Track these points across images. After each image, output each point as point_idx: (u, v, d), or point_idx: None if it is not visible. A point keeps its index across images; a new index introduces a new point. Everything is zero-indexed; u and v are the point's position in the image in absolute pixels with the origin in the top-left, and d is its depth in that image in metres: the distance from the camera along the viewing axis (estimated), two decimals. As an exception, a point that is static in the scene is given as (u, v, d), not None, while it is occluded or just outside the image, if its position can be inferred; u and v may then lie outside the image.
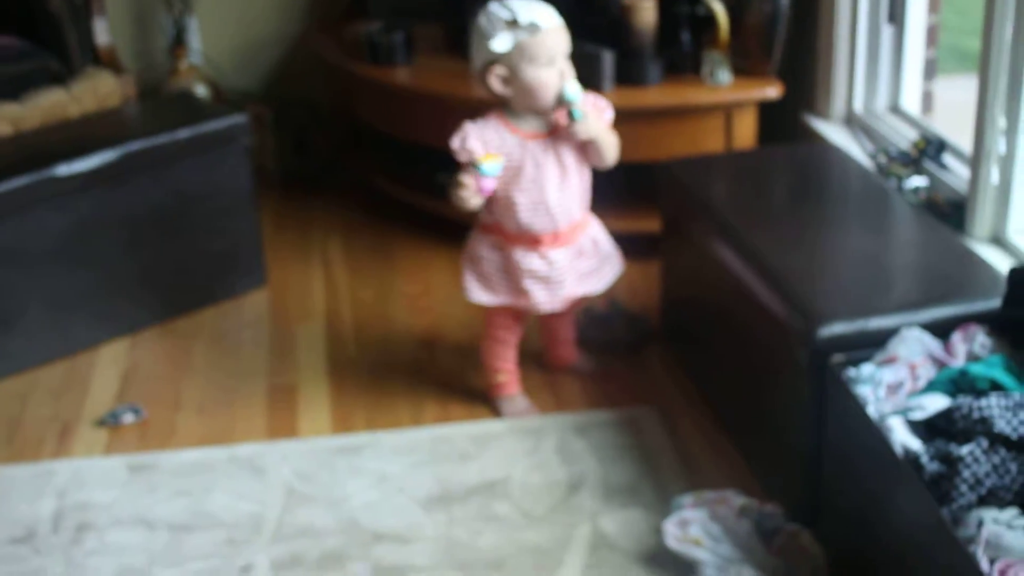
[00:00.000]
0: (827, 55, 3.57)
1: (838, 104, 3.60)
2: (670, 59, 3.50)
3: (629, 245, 3.00)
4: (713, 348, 2.88)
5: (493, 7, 2.63)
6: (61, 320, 3.19)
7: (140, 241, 3.29)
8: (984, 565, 1.85)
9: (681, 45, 3.50)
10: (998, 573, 1.86)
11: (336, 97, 4.21)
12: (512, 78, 2.63)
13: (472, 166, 2.62)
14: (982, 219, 2.87)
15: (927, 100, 3.61)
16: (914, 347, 2.26)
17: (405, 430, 2.88)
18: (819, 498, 2.37)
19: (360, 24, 3.89)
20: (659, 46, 3.49)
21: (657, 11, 3.46)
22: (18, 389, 3.09)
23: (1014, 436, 2.03)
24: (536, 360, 3.08)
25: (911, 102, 3.51)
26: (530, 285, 2.76)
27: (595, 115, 2.69)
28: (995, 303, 2.34)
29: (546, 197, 2.70)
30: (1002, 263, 2.72)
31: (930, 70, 3.58)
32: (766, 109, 3.51)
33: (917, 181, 3.11)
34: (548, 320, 3.01)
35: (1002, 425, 2.04)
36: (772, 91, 3.44)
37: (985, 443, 2.03)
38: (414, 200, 3.83)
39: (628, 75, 3.44)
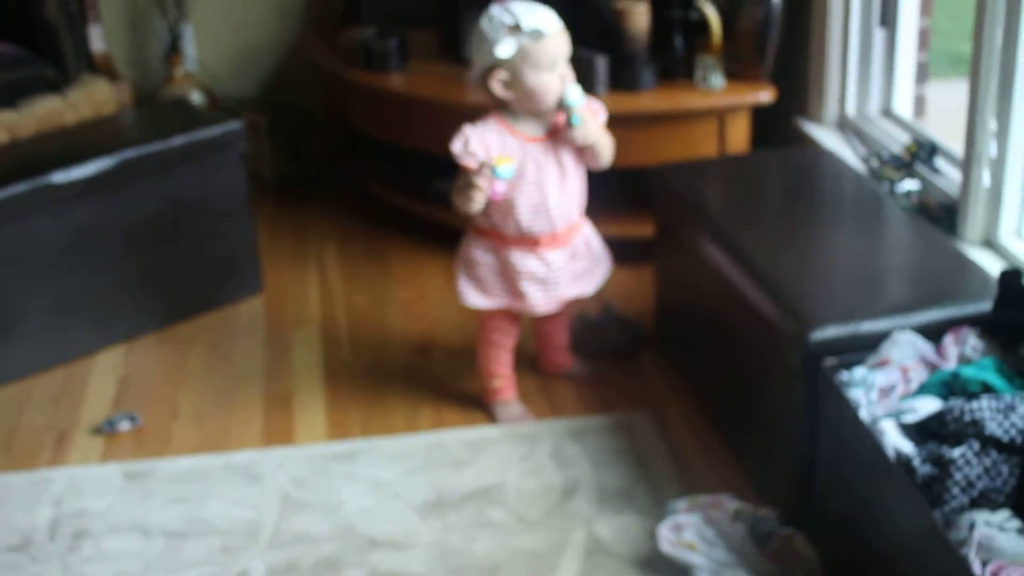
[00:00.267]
0: (819, 59, 3.58)
1: (830, 108, 3.61)
2: (663, 64, 3.51)
3: (622, 250, 3.01)
4: (706, 352, 2.89)
5: (495, 11, 2.64)
6: (57, 327, 3.20)
7: (136, 248, 3.30)
8: (976, 567, 1.86)
9: (674, 50, 3.51)
10: (990, 575, 1.87)
11: (331, 103, 4.22)
12: (514, 82, 2.65)
13: (487, 168, 2.62)
14: (974, 222, 2.88)
15: (919, 104, 3.63)
16: (906, 350, 2.27)
17: (400, 436, 2.88)
18: (812, 501, 2.38)
19: (354, 30, 3.90)
20: (652, 51, 3.50)
21: (650, 16, 3.47)
22: (15, 396, 3.10)
23: (1005, 438, 2.04)
24: (530, 365, 3.09)
25: (903, 106, 3.53)
26: (527, 287, 2.77)
27: (591, 118, 2.70)
28: (986, 306, 2.35)
29: (546, 199, 2.72)
30: (993, 266, 2.73)
31: (922, 74, 3.59)
32: (759, 113, 3.52)
33: (909, 185, 3.12)
34: (542, 325, 3.02)
35: (993, 427, 2.05)
36: (765, 95, 3.45)
37: (977, 445, 2.04)
38: (409, 206, 3.84)
39: (621, 80, 3.46)
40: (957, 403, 2.11)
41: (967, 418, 2.07)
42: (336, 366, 3.20)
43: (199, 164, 3.38)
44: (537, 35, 2.60)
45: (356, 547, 2.52)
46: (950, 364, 2.26)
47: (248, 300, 3.54)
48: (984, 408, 2.07)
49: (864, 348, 2.29)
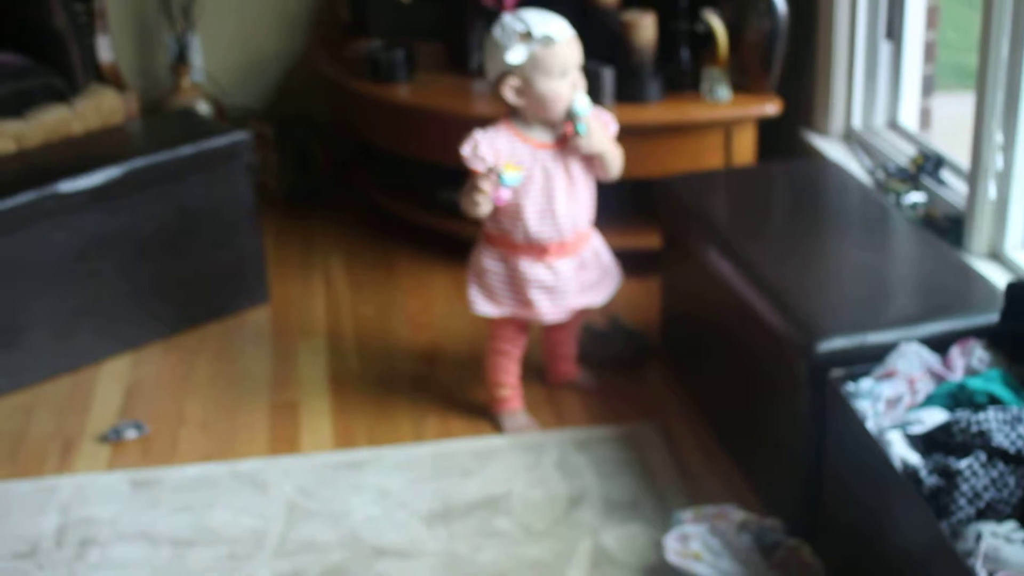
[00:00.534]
0: (825, 71, 3.59)
1: (837, 120, 3.62)
2: (669, 76, 3.52)
3: (629, 261, 3.01)
4: (713, 363, 2.89)
5: (508, 19, 2.67)
6: (64, 336, 3.21)
7: (143, 257, 3.30)
8: (983, 578, 1.87)
9: (680, 62, 3.52)
10: (996, 586, 1.87)
11: (337, 114, 4.23)
12: (525, 89, 2.67)
13: (494, 174, 2.63)
14: (980, 234, 2.89)
15: (925, 116, 3.63)
16: (913, 361, 2.27)
17: (406, 445, 2.89)
18: (819, 512, 2.38)
19: (361, 41, 3.91)
20: (659, 63, 3.51)
21: (656, 28, 3.48)
22: (21, 404, 3.11)
23: (1012, 450, 2.04)
24: (537, 376, 3.09)
25: (909, 118, 3.53)
26: (535, 295, 2.78)
27: (600, 129, 2.71)
28: (993, 318, 2.35)
29: (554, 206, 2.73)
30: (1000, 278, 2.73)
31: (928, 86, 3.59)
32: (765, 125, 3.53)
33: (915, 197, 3.12)
34: (550, 335, 3.03)
35: (1000, 439, 2.05)
36: (771, 107, 3.45)
37: (983, 457, 2.04)
38: (415, 216, 3.85)
39: (628, 92, 3.46)
40: (964, 414, 2.11)
41: (974, 429, 2.07)
42: (342, 375, 3.20)
43: (206, 174, 3.38)
44: (548, 41, 2.62)
45: (362, 556, 2.53)
46: (957, 376, 2.27)
47: (254, 309, 3.54)
48: (991, 419, 2.07)
49: (871, 359, 2.29)
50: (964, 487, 2.02)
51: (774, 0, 3.36)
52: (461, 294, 2.98)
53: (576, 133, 2.67)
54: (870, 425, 2.15)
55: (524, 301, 2.80)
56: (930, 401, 2.22)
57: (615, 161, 2.76)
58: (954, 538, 1.98)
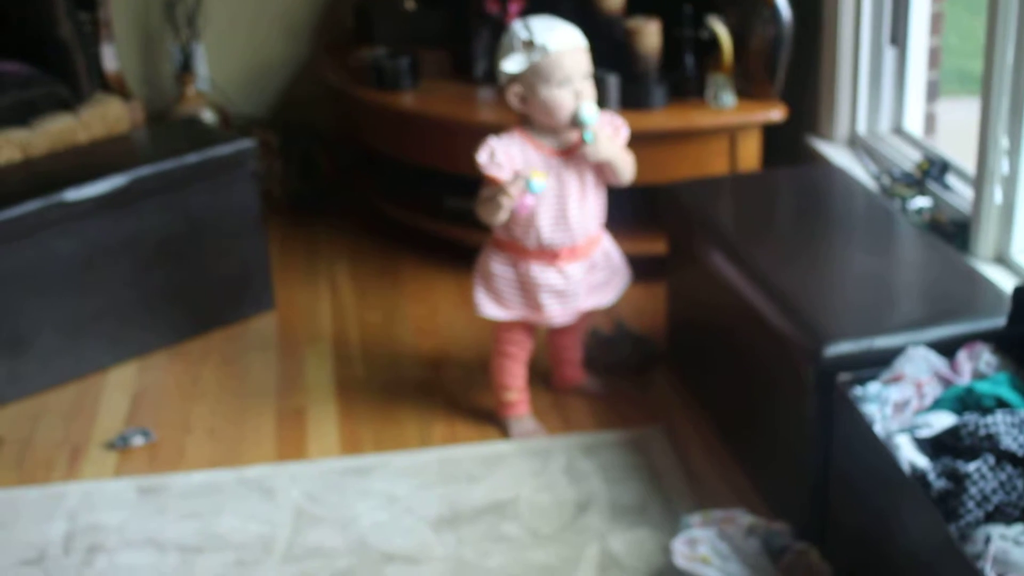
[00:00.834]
0: (830, 77, 3.60)
1: (842, 126, 3.62)
2: (674, 83, 3.52)
3: (635, 267, 3.01)
4: (719, 368, 2.89)
5: (515, 27, 2.69)
6: (71, 343, 3.21)
7: (149, 265, 3.31)
8: (992, 581, 1.87)
9: (685, 68, 3.53)
10: (1006, 589, 1.87)
11: (342, 122, 4.23)
12: (528, 97, 2.68)
13: (522, 180, 2.64)
14: (986, 239, 2.89)
15: (930, 121, 3.63)
16: (920, 365, 2.27)
17: (413, 451, 2.89)
18: (826, 516, 2.38)
19: (366, 49, 3.91)
20: (663, 69, 3.51)
21: (661, 35, 3.48)
22: (29, 412, 3.11)
23: (1020, 453, 2.04)
24: (544, 381, 3.09)
25: (914, 123, 3.54)
26: (545, 299, 2.79)
27: (611, 135, 2.72)
28: (1000, 321, 2.36)
29: (567, 213, 2.74)
30: (1006, 282, 2.73)
31: (932, 92, 3.60)
32: (770, 131, 3.53)
33: (921, 202, 3.13)
34: (556, 341, 3.03)
35: (1008, 442, 2.05)
36: (776, 113, 3.46)
37: (992, 460, 2.04)
38: (420, 223, 3.85)
39: (633, 99, 3.47)
40: (972, 418, 2.11)
41: (982, 432, 2.07)
42: (348, 381, 3.20)
43: (211, 182, 3.39)
44: (546, 51, 2.63)
45: (370, 562, 2.53)
46: (964, 379, 2.27)
47: (260, 316, 3.55)
48: (999, 423, 2.08)
49: (878, 363, 2.29)
50: (972, 490, 2.02)
51: (778, 6, 3.37)
52: (466, 300, 2.98)
53: (583, 141, 2.68)
54: (878, 429, 2.15)
55: (533, 305, 2.80)
56: (938, 405, 2.22)
57: (626, 167, 2.77)
58: (963, 541, 1.98)
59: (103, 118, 3.63)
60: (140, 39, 4.38)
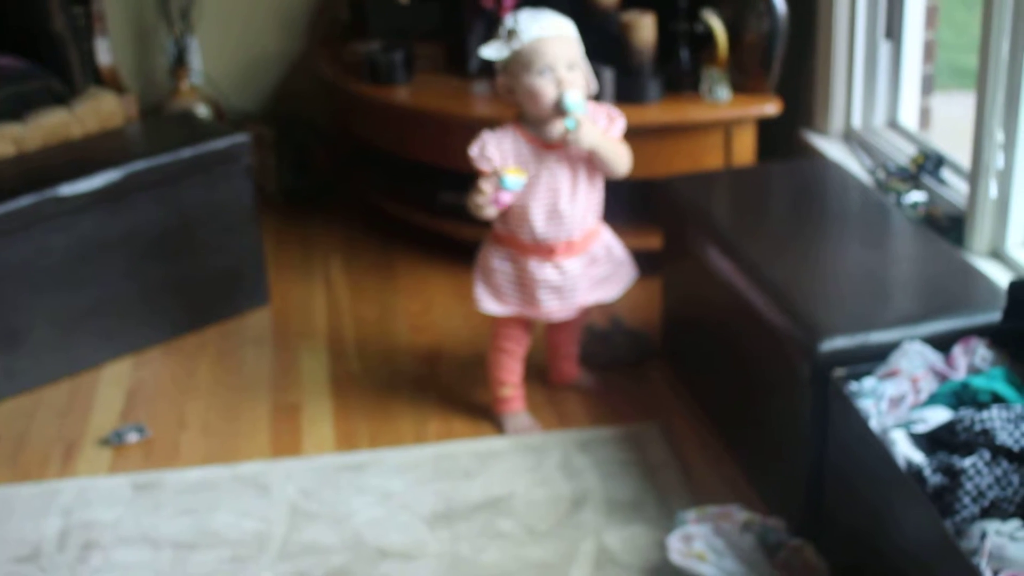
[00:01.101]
0: (825, 71, 3.59)
1: (836, 120, 3.62)
2: (669, 76, 3.52)
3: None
4: (714, 363, 2.89)
5: (507, 17, 2.71)
6: (65, 339, 3.20)
7: (143, 260, 3.30)
8: (988, 577, 1.87)
9: (680, 62, 3.52)
10: (1001, 585, 1.87)
11: (336, 116, 4.23)
12: (513, 86, 2.69)
13: (495, 176, 2.64)
14: (981, 233, 2.89)
15: (925, 116, 3.63)
16: (916, 360, 2.27)
17: (408, 447, 2.89)
18: (822, 512, 2.38)
19: (360, 43, 3.91)
20: (658, 63, 3.51)
21: (656, 29, 3.48)
22: (23, 408, 3.10)
23: (1016, 448, 2.04)
24: (539, 377, 3.09)
25: (909, 118, 3.53)
26: (543, 295, 2.79)
27: (597, 125, 2.71)
28: (995, 316, 2.35)
29: (560, 207, 2.74)
30: (1001, 277, 2.74)
31: (927, 86, 3.60)
32: (765, 125, 3.53)
33: (916, 196, 3.13)
34: (552, 335, 3.03)
35: (1004, 437, 2.05)
36: (771, 107, 3.45)
37: (987, 455, 2.04)
38: (414, 218, 3.85)
39: (628, 93, 3.46)
40: (967, 413, 2.11)
41: (977, 428, 2.07)
42: (343, 377, 3.20)
43: (205, 177, 3.38)
44: (523, 38, 2.63)
45: (365, 558, 2.52)
46: (960, 374, 2.27)
47: (255, 312, 3.54)
48: (995, 418, 2.08)
49: (873, 359, 2.30)
50: (968, 485, 2.02)
51: (773, 0, 3.37)
52: (462, 295, 2.98)
53: (565, 129, 2.67)
54: (873, 424, 2.15)
55: (531, 301, 2.80)
56: (933, 400, 2.22)
57: (617, 158, 2.75)
58: (958, 537, 1.98)
59: (97, 112, 3.62)
60: (134, 33, 4.36)
